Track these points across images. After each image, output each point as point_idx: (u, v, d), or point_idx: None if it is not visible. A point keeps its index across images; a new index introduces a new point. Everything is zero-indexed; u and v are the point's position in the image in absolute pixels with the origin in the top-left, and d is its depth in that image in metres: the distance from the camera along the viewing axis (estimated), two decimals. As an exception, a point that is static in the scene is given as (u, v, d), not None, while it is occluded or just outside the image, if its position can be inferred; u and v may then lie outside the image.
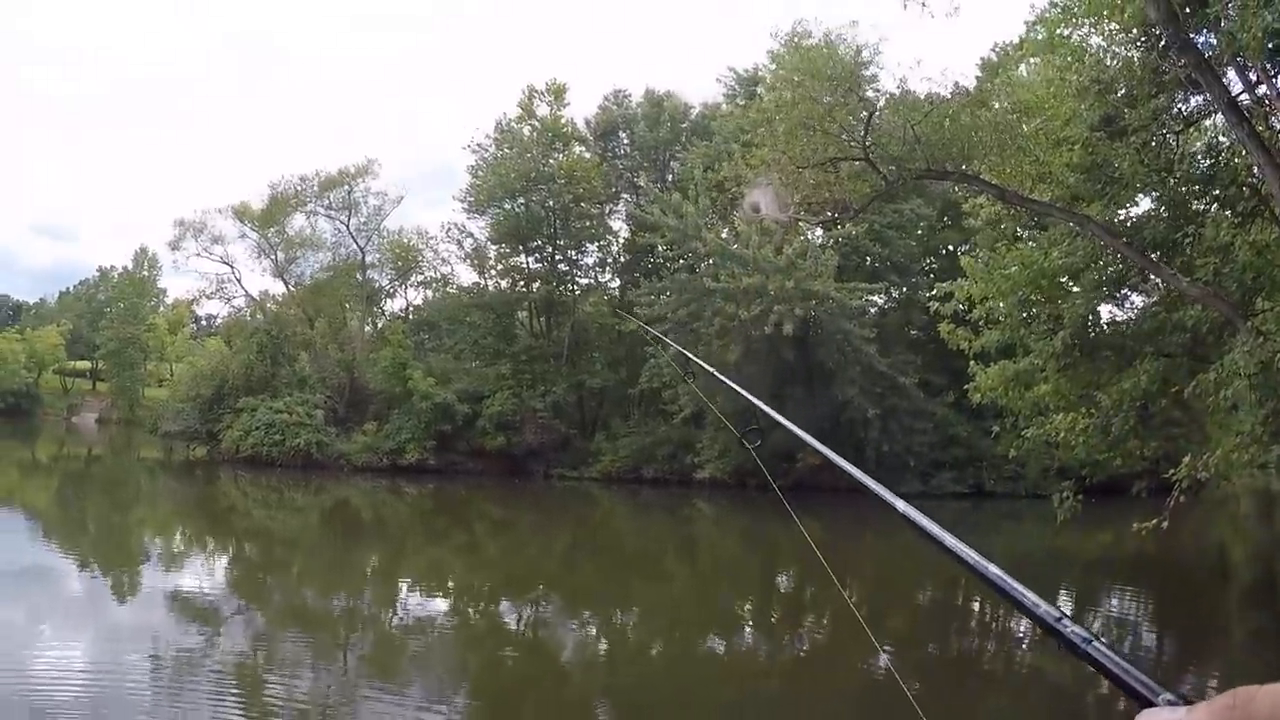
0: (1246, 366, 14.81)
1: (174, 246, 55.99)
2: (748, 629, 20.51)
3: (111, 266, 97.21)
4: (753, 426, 3.84)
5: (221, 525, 32.69)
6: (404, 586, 23.80)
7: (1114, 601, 24.05)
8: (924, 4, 15.84)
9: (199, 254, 55.85)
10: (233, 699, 12.92)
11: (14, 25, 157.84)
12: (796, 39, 19.87)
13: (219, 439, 48.44)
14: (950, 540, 1.50)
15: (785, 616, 21.84)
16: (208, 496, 41.59)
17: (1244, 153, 16.21)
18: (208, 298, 59.27)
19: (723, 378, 4.92)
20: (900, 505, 1.80)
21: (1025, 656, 17.40)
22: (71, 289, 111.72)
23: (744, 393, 3.58)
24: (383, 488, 43.49)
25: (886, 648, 16.74)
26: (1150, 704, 0.88)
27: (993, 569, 1.36)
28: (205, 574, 23.70)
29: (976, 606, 21.49)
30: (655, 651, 18.07)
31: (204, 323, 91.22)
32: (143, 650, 14.93)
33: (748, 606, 22.85)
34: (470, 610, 21.23)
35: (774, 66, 22.03)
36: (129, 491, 44.07)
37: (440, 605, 21.90)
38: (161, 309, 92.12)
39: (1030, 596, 1.26)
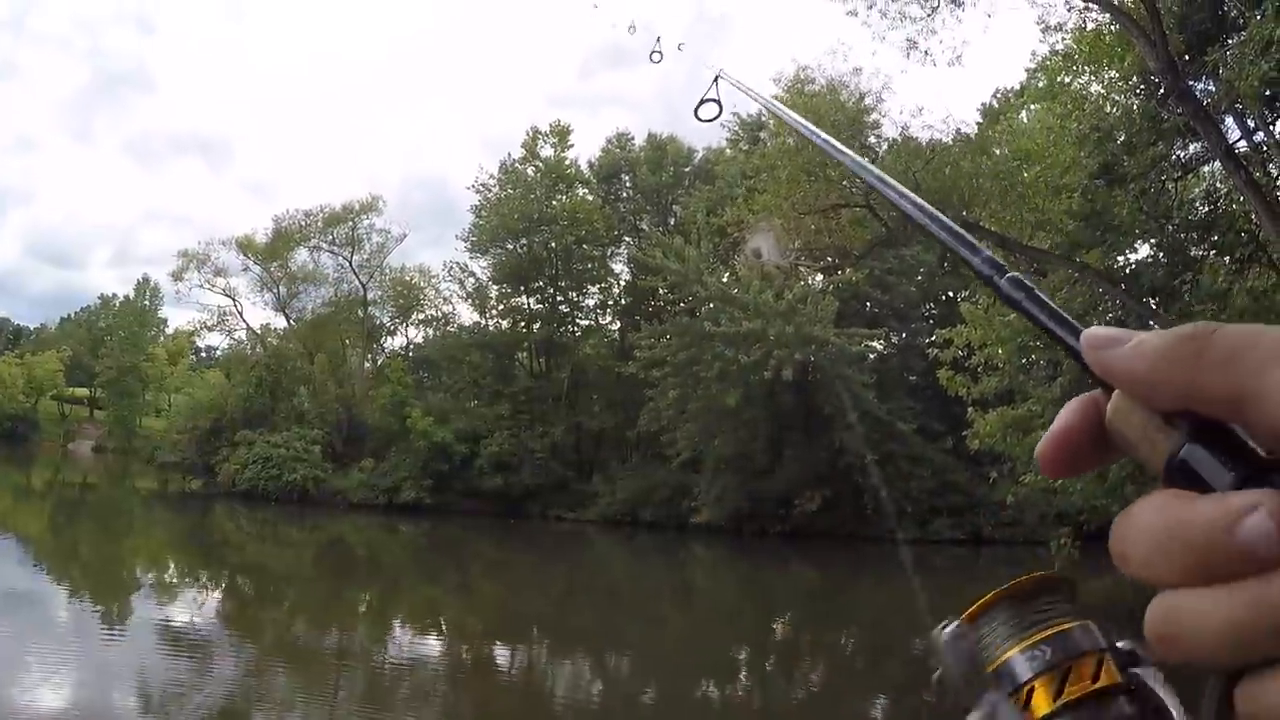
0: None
1: (177, 277, 56.39)
2: (741, 675, 20.33)
3: (114, 294, 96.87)
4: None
5: (215, 559, 32.48)
6: (396, 626, 23.62)
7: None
8: (926, 52, 15.98)
9: (201, 285, 56.24)
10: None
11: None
12: (800, 85, 19.95)
13: (215, 471, 48.18)
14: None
15: (780, 663, 21.66)
16: (202, 529, 41.28)
17: (1241, 199, 16.30)
18: (209, 329, 59.58)
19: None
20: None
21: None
22: (73, 315, 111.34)
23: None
24: (378, 525, 43.23)
25: (882, 695, 16.61)
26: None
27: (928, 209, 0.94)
28: (196, 607, 23.48)
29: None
30: (649, 697, 17.89)
31: (204, 354, 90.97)
32: (130, 683, 14.81)
33: (742, 653, 22.65)
34: (463, 651, 21.05)
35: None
36: (122, 521, 43.75)
37: (433, 645, 21.72)
38: (162, 339, 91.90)
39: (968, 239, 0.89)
